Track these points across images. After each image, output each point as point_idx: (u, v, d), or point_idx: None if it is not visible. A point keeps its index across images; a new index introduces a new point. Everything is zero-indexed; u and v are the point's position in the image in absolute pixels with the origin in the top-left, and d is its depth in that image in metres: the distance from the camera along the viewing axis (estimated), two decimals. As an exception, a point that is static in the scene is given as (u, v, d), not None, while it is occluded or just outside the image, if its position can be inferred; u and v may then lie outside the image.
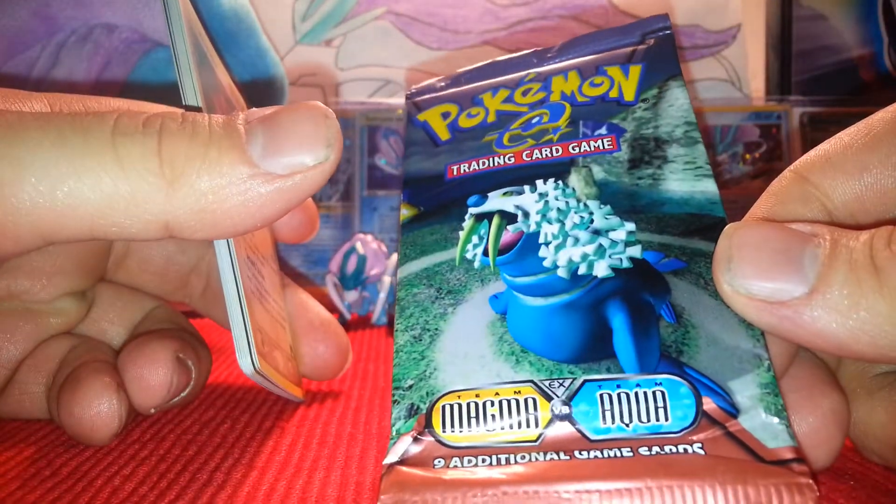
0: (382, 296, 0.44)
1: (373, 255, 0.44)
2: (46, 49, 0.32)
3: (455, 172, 0.21)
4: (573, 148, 0.21)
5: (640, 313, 0.17)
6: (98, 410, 0.21)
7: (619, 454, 0.15)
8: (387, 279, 0.45)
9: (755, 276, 0.15)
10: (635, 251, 0.18)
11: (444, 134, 0.22)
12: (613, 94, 0.22)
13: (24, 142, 0.16)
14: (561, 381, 0.16)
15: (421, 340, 0.18)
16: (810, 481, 0.14)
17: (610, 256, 0.18)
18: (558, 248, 0.18)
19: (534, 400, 0.16)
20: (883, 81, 0.61)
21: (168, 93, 0.35)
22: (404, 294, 0.19)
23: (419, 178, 0.22)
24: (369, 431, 0.24)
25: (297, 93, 0.59)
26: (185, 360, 0.24)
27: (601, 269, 0.18)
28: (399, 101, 0.60)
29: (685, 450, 0.15)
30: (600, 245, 0.18)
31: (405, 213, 0.21)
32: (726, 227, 0.16)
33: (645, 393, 0.16)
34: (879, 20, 0.62)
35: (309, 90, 0.60)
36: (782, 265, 0.15)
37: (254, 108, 0.18)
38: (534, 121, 0.22)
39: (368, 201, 0.56)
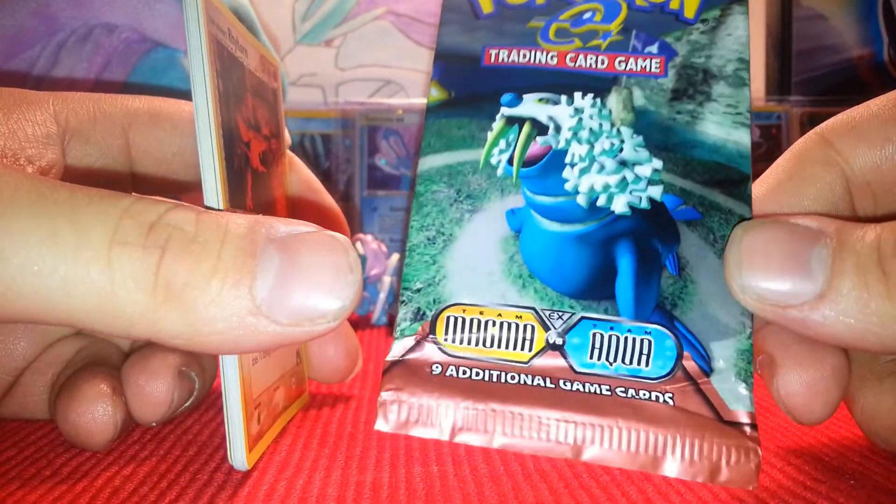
0: (382, 296, 0.44)
1: (373, 256, 0.44)
2: (46, 49, 0.32)
3: (493, 59, 0.20)
4: (619, 63, 0.20)
5: (646, 260, 0.18)
6: (94, 417, 0.21)
7: (598, 390, 0.17)
8: (387, 279, 0.45)
9: (765, 281, 0.16)
10: (656, 192, 0.19)
11: (487, 6, 0.21)
12: (674, 4, 0.21)
13: (10, 232, 0.14)
14: (560, 313, 0.17)
15: (434, 244, 0.18)
16: (757, 447, 0.16)
17: (631, 192, 0.18)
18: (583, 171, 0.19)
19: (532, 327, 0.17)
20: (883, 81, 0.61)
21: (167, 93, 0.35)
22: (423, 190, 0.19)
23: (453, 55, 0.21)
24: (369, 431, 0.24)
25: (298, 93, 0.59)
26: (188, 372, 0.23)
27: (619, 205, 0.18)
28: (399, 101, 0.60)
29: (657, 397, 0.17)
30: (624, 178, 0.19)
31: (434, 94, 0.20)
32: (735, 228, 0.17)
33: (634, 339, 0.17)
34: (879, 20, 0.62)
35: (309, 90, 0.60)
36: (791, 269, 0.16)
37: (279, 221, 0.16)
38: (585, 16, 0.21)
39: (368, 201, 0.56)
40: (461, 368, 0.17)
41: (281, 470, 0.21)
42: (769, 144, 0.57)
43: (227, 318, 0.15)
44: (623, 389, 0.17)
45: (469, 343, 0.17)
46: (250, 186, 0.21)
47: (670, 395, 0.17)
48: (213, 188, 0.18)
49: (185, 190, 0.25)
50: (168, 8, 0.35)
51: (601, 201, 0.18)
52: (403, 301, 0.18)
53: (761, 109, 0.58)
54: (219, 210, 0.17)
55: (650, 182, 0.19)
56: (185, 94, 0.24)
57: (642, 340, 0.17)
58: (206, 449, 0.22)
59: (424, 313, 0.18)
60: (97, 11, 0.34)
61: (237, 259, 0.15)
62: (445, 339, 0.17)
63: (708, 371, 0.17)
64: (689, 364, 0.17)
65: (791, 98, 0.59)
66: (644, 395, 0.17)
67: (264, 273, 0.15)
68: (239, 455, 0.19)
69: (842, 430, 0.24)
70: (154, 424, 0.23)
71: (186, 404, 0.24)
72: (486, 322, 0.18)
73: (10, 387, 0.23)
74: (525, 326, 0.18)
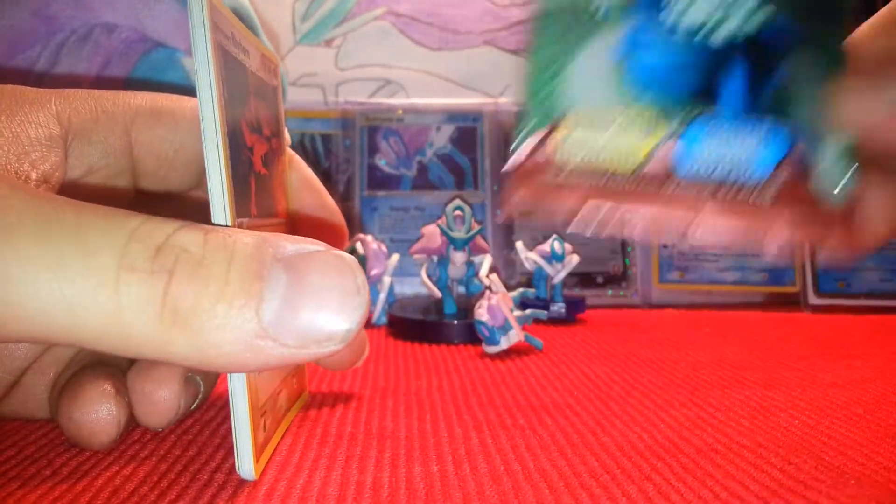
0: (382, 296, 0.44)
1: (373, 256, 0.44)
2: (47, 49, 0.32)
3: None
4: None
5: (763, 64, 0.19)
6: (97, 416, 0.21)
7: (705, 190, 0.18)
8: (387, 279, 0.44)
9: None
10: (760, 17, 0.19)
11: None
12: None
13: (17, 256, 0.14)
14: (676, 115, 0.19)
15: (555, 60, 0.19)
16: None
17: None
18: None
19: (648, 127, 0.19)
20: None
21: (168, 89, 0.35)
22: (545, 12, 0.20)
23: None
24: (370, 431, 0.24)
25: (298, 92, 0.59)
26: (193, 377, 0.23)
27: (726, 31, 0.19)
28: (399, 101, 0.60)
29: (760, 193, 0.18)
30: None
31: None
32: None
33: (744, 135, 0.18)
34: (879, 21, 0.62)
35: (309, 90, 0.60)
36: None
37: (287, 240, 0.16)
38: None
39: (368, 201, 0.56)
40: (577, 171, 0.19)
41: (281, 470, 0.21)
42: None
43: (234, 341, 0.15)
44: (727, 190, 0.18)
45: (586, 144, 0.19)
46: (254, 191, 0.21)
47: (774, 189, 0.18)
48: (221, 202, 0.18)
49: (187, 187, 0.25)
50: (168, 8, 0.35)
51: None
52: (527, 108, 0.19)
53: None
54: (226, 227, 0.17)
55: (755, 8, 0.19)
56: (186, 91, 0.24)
57: (753, 135, 0.18)
58: (206, 449, 0.22)
59: (544, 118, 0.19)
60: (97, 11, 0.34)
61: (244, 282, 0.15)
62: (564, 145, 0.19)
63: (812, 165, 0.18)
64: (796, 158, 0.18)
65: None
66: (749, 190, 0.18)
67: (271, 295, 0.15)
68: (247, 465, 0.19)
69: (842, 429, 0.24)
70: (160, 430, 0.23)
71: (192, 407, 0.24)
72: (604, 121, 0.19)
73: (10, 386, 0.23)
74: (641, 126, 0.19)
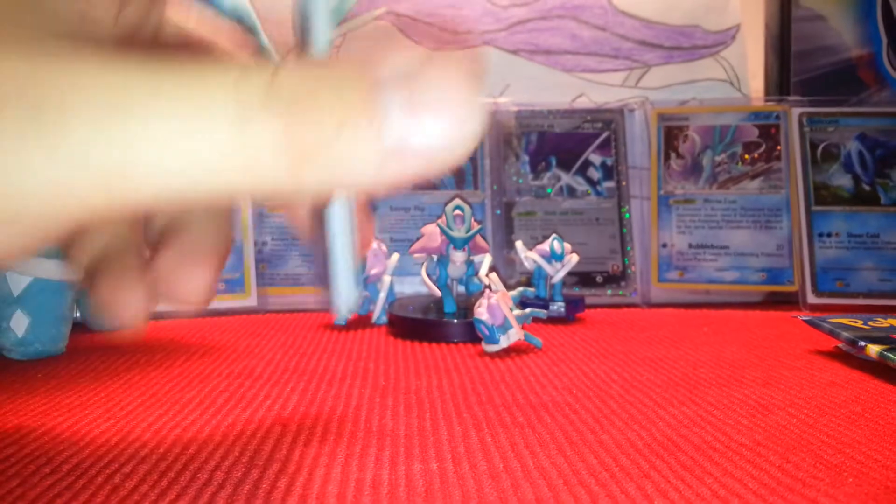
0: (382, 295, 0.44)
1: (373, 255, 0.44)
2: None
3: None
4: None
5: None
6: (130, 292, 0.21)
7: None
8: (387, 279, 0.45)
9: None
10: None
11: None
12: None
13: (146, 119, 0.14)
14: None
15: None
16: None
17: None
18: None
19: None
20: (882, 82, 0.61)
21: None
22: None
23: None
24: (370, 429, 0.24)
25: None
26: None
27: None
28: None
29: None
30: None
31: None
32: None
33: None
34: (878, 21, 0.62)
35: (309, 90, 0.60)
36: None
37: (380, 58, 0.15)
38: None
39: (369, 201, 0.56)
40: None
41: (282, 468, 0.21)
42: (768, 144, 0.57)
43: (364, 164, 0.14)
44: None
45: None
46: None
47: None
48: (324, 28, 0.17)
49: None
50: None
51: None
52: None
53: (760, 109, 0.58)
54: (318, 59, 0.16)
55: None
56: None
57: None
58: (206, 447, 0.22)
59: None
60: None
61: (360, 105, 0.14)
62: None
63: None
64: None
65: (790, 98, 0.59)
66: None
67: (390, 112, 0.14)
68: (346, 306, 0.18)
69: (841, 428, 0.24)
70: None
71: None
72: None
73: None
74: None
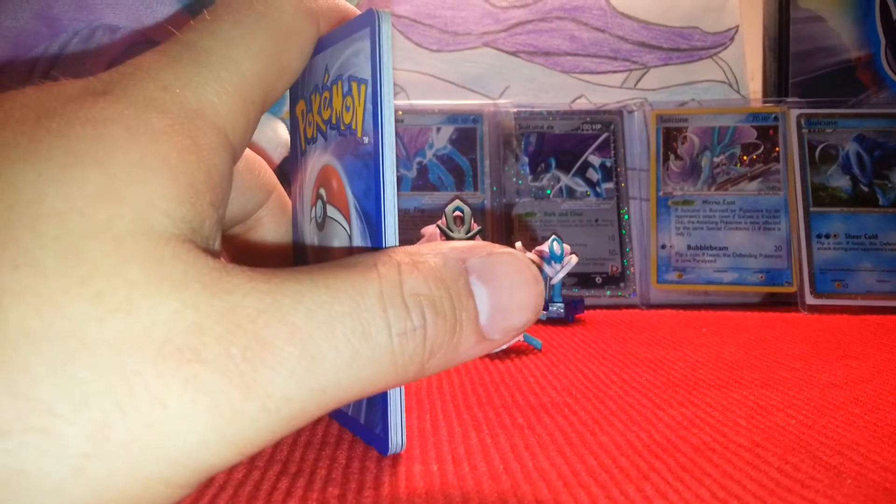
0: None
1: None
2: (49, 50, 0.33)
3: None
4: None
5: None
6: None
7: None
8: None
9: None
10: None
11: None
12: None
13: (311, 351, 0.14)
14: None
15: None
16: None
17: None
18: None
19: None
20: (880, 83, 0.62)
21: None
22: None
23: None
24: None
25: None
26: None
27: None
28: (399, 102, 0.60)
29: None
30: None
31: None
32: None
33: None
34: (877, 22, 0.62)
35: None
36: None
37: (459, 249, 0.17)
38: None
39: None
40: None
41: (283, 469, 0.21)
42: (766, 145, 0.57)
43: (467, 355, 0.17)
44: None
45: None
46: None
47: None
48: (393, 223, 0.19)
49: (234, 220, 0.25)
50: (170, 10, 0.35)
51: None
52: None
53: (759, 110, 0.58)
54: (408, 249, 0.18)
55: None
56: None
57: None
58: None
59: None
60: (100, 13, 0.34)
61: (465, 308, 0.16)
62: None
63: None
64: None
65: (788, 100, 0.59)
66: None
67: (480, 306, 0.17)
68: (400, 438, 0.20)
69: (839, 429, 0.25)
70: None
71: None
72: None
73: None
74: None
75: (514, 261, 0.17)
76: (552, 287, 0.47)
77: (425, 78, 0.61)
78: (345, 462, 0.21)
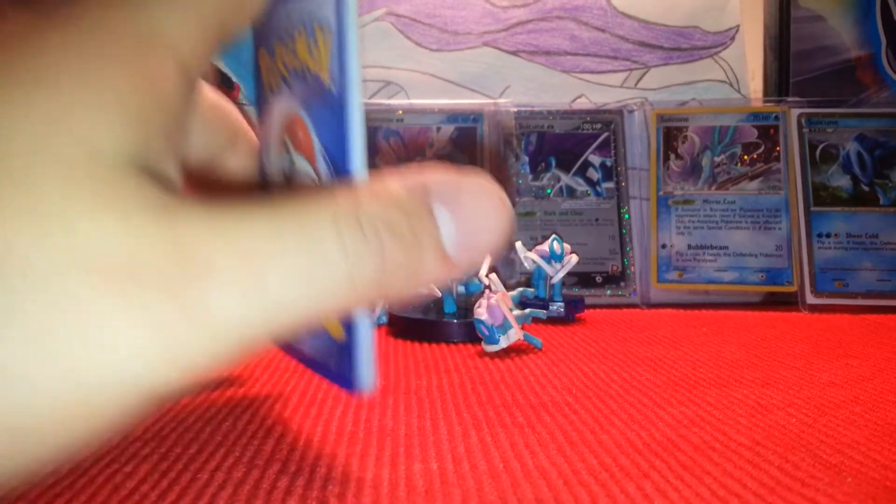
0: (382, 296, 0.44)
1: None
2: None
3: None
4: None
5: None
6: None
7: None
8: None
9: None
10: None
11: None
12: None
13: (271, 253, 0.14)
14: None
15: None
16: None
17: None
18: None
19: None
20: (881, 83, 0.62)
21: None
22: None
23: None
24: (370, 429, 0.24)
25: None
26: None
27: None
28: (399, 101, 0.60)
29: None
30: None
31: None
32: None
33: None
34: (878, 21, 0.62)
35: (309, 91, 0.60)
36: None
37: (426, 177, 0.17)
38: None
39: (368, 201, 0.56)
40: None
41: (282, 469, 0.21)
42: (767, 145, 0.57)
43: (432, 276, 0.16)
44: None
45: None
46: None
47: None
48: (359, 154, 0.18)
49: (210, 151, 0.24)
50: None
51: None
52: None
53: (759, 110, 0.58)
54: (373, 180, 0.17)
55: None
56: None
57: None
58: (208, 447, 0.23)
59: None
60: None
61: (426, 231, 0.16)
62: None
63: None
64: None
65: (789, 99, 0.59)
66: None
67: (445, 231, 0.16)
68: (370, 376, 0.19)
69: (840, 428, 0.25)
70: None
71: None
72: None
73: None
74: None
75: (479, 184, 0.17)
76: (552, 286, 0.47)
77: (425, 77, 0.61)
78: (344, 461, 0.21)
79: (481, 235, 0.17)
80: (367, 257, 0.15)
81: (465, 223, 0.17)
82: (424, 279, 0.16)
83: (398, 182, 0.17)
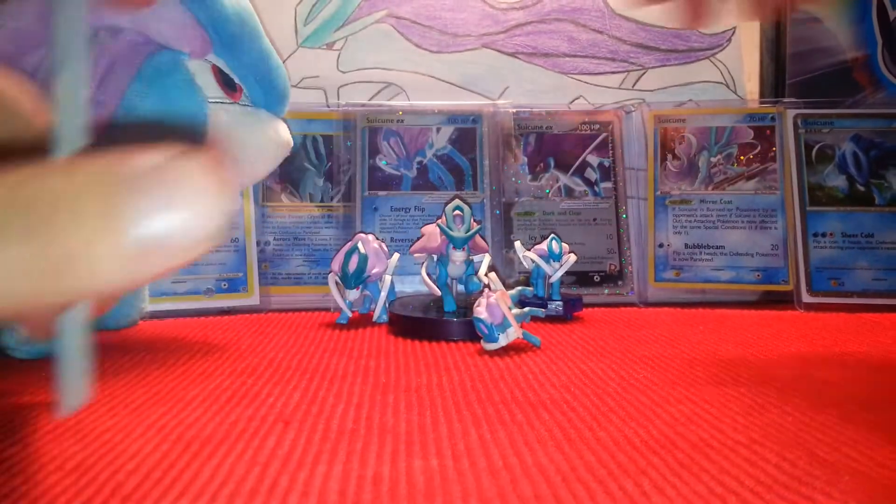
0: (383, 294, 0.44)
1: (374, 255, 0.45)
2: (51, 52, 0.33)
3: None
4: None
5: None
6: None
7: None
8: (387, 278, 0.45)
9: None
10: None
11: None
12: None
13: None
14: None
15: None
16: None
17: None
18: None
19: None
20: (877, 84, 0.62)
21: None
22: None
23: None
24: (371, 426, 0.25)
25: (300, 94, 0.59)
26: None
27: None
28: (400, 102, 0.60)
29: None
30: None
31: None
32: None
33: None
34: (873, 22, 0.62)
35: (311, 92, 0.60)
36: None
37: (128, 156, 0.15)
38: None
39: (369, 201, 0.56)
40: None
41: (283, 465, 0.21)
42: (763, 145, 0.57)
43: (114, 271, 0.14)
44: None
45: None
46: None
47: None
48: (72, 125, 0.16)
49: None
50: (172, 10, 0.36)
51: None
52: None
53: (756, 111, 0.58)
54: (70, 156, 0.16)
55: None
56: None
57: None
58: (209, 444, 0.23)
59: None
60: (102, 14, 0.34)
61: (108, 213, 0.14)
62: None
63: None
64: None
65: (785, 100, 0.59)
66: None
67: (136, 215, 0.14)
68: (79, 396, 0.17)
69: (836, 426, 0.25)
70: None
71: None
72: None
73: None
74: None
75: (188, 165, 0.15)
76: (551, 285, 0.47)
77: (425, 79, 0.61)
78: (345, 458, 0.22)
79: (180, 229, 0.14)
80: (24, 246, 0.13)
81: (161, 211, 0.14)
82: (107, 277, 0.14)
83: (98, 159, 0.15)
